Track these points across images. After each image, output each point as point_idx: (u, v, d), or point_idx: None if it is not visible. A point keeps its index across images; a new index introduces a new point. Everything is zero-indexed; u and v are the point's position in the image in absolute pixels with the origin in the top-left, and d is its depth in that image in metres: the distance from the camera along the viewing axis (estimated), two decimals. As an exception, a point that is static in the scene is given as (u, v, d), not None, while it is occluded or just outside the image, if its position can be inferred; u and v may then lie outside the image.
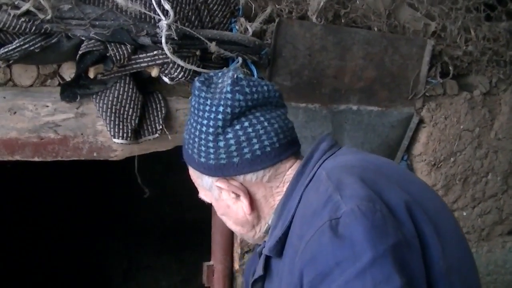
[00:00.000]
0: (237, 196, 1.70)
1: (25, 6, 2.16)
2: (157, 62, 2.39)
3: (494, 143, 3.60)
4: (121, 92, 2.41)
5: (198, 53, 2.50)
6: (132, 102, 2.43)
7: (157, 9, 2.32)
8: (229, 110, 1.58)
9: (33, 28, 2.19)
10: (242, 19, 2.67)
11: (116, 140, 2.41)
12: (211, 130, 1.60)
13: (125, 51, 2.33)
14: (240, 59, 2.60)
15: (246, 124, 1.60)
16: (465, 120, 3.44)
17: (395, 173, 1.67)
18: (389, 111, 3.19)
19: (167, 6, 2.31)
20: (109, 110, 2.39)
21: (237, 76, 1.63)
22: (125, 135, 2.40)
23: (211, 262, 2.98)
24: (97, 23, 2.29)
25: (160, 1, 2.32)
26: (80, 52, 2.26)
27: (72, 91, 2.39)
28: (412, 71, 3.20)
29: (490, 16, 3.65)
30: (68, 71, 2.42)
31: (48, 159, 2.45)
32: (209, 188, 1.74)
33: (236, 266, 2.97)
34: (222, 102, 1.59)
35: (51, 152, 2.44)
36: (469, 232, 3.59)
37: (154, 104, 2.56)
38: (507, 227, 3.83)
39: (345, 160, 1.66)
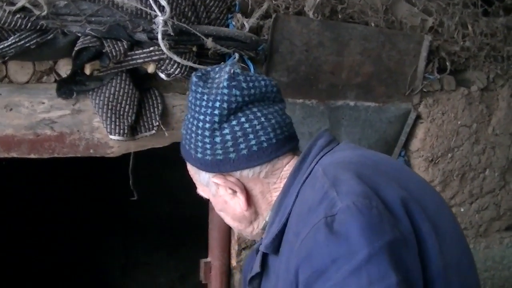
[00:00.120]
0: (234, 192, 1.68)
1: (21, 2, 2.15)
2: (154, 58, 2.39)
3: (492, 138, 3.60)
4: (117, 89, 2.40)
5: (194, 49, 2.50)
6: (129, 98, 2.43)
7: (153, 5, 2.32)
8: (225, 105, 1.57)
9: (29, 24, 2.18)
10: (239, 15, 2.66)
11: (112, 137, 2.40)
12: (207, 125, 1.59)
13: (121, 48, 2.33)
14: (236, 55, 2.60)
15: (243, 119, 1.59)
16: (463, 116, 3.43)
17: (393, 169, 1.65)
18: (386, 107, 3.18)
19: (163, 2, 2.30)
20: (105, 106, 2.39)
21: (234, 71, 1.62)
22: (121, 131, 2.40)
23: (209, 259, 2.98)
24: (93, 19, 2.29)
25: (156, -3, 2.32)
26: (76, 49, 2.26)
27: (68, 87, 2.38)
28: (410, 66, 3.19)
29: (488, 11, 3.65)
30: (64, 68, 2.41)
31: (44, 156, 2.44)
32: (206, 184, 1.73)
33: (234, 262, 2.97)
34: (218, 98, 1.58)
35: (47, 149, 2.43)
36: (466, 228, 3.59)
37: (150, 100, 2.55)
38: (505, 223, 3.83)
39: (342, 156, 1.65)
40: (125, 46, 2.34)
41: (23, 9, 2.17)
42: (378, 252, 1.29)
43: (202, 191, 1.81)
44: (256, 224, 1.78)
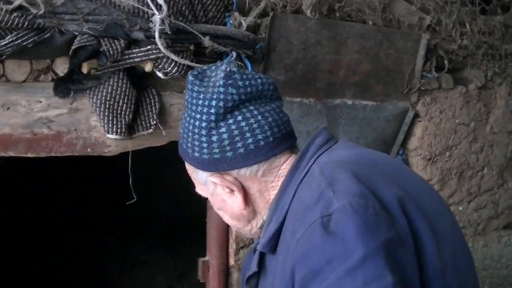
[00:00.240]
0: (232, 191, 1.68)
1: (18, 1, 2.15)
2: (151, 57, 2.39)
3: (490, 137, 3.60)
4: (114, 87, 2.40)
5: (192, 47, 2.50)
6: (126, 97, 2.42)
7: (150, 3, 2.32)
8: (221, 104, 1.57)
9: (26, 23, 2.18)
10: (236, 13, 2.66)
11: (110, 136, 2.40)
12: (204, 124, 1.59)
13: (118, 46, 2.32)
14: (234, 53, 2.60)
15: (240, 118, 1.59)
16: (461, 114, 3.43)
17: (390, 168, 1.65)
18: (384, 105, 3.18)
19: (160, 1, 2.30)
20: (102, 105, 2.38)
21: (230, 69, 1.61)
22: (119, 130, 2.40)
23: (207, 258, 2.98)
24: (90, 18, 2.28)
25: (154, -5, 2.32)
26: (73, 47, 2.26)
27: (66, 86, 2.38)
28: (407, 65, 3.19)
29: (485, 10, 3.65)
30: (61, 66, 2.41)
31: (41, 155, 2.44)
32: (204, 182, 1.73)
33: (232, 261, 2.96)
34: (215, 96, 1.57)
35: (44, 148, 2.43)
36: (465, 227, 3.59)
37: (148, 99, 2.55)
38: (503, 221, 3.83)
39: (340, 155, 1.64)
40: (122, 45, 2.34)
41: (20, 7, 2.17)
42: (374, 252, 1.29)
43: (200, 189, 1.81)
44: (255, 222, 1.77)
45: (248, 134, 1.59)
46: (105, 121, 2.39)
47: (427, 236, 1.44)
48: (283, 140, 1.66)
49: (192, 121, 1.62)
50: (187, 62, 2.44)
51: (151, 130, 2.53)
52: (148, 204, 5.84)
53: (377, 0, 3.11)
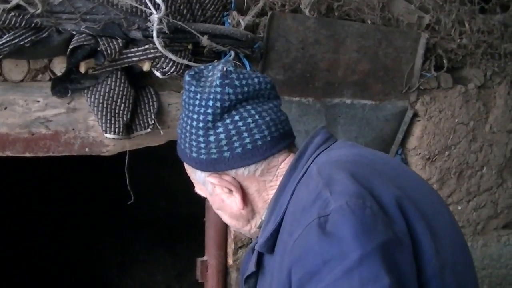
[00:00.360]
0: (230, 190, 1.68)
1: (15, 0, 2.15)
2: (149, 56, 2.38)
3: (489, 136, 3.59)
4: (112, 87, 2.40)
5: (190, 47, 2.49)
6: (124, 96, 2.42)
7: (148, 2, 2.31)
8: (218, 104, 1.56)
9: (23, 22, 2.17)
10: (235, 13, 2.65)
11: (108, 135, 2.40)
12: (201, 124, 1.58)
13: (116, 46, 2.32)
14: (232, 52, 2.59)
15: (237, 118, 1.58)
16: (460, 114, 3.43)
17: (389, 168, 1.64)
18: (383, 104, 3.18)
19: (158, 0, 2.29)
20: (100, 105, 2.38)
21: (226, 69, 1.61)
22: (117, 130, 2.39)
23: (205, 258, 2.98)
24: (87, 17, 2.28)
25: (152, -6, 2.31)
26: (71, 47, 2.25)
27: (63, 86, 2.38)
28: (406, 64, 3.19)
29: (484, 9, 3.64)
30: (59, 66, 2.40)
31: (39, 154, 2.43)
32: (202, 182, 1.73)
33: (230, 261, 2.96)
34: (211, 96, 1.57)
35: (42, 147, 2.42)
36: (464, 226, 3.59)
37: (146, 98, 2.55)
38: (502, 221, 3.83)
39: (338, 154, 1.63)
40: (120, 44, 2.33)
41: (17, 7, 2.16)
42: (370, 253, 1.28)
43: (199, 189, 1.81)
44: (254, 222, 1.77)
45: (245, 134, 1.58)
46: (103, 121, 2.38)
47: (426, 237, 1.43)
48: (281, 139, 1.65)
49: (189, 121, 1.62)
50: (185, 62, 2.43)
51: (149, 130, 2.52)
52: (146, 204, 5.85)
53: (376, -1, 3.11)
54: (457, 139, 3.45)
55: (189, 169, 1.76)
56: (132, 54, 2.38)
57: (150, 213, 6.34)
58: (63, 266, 6.13)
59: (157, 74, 2.45)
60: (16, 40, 2.18)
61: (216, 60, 2.57)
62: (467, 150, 3.50)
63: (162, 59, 2.40)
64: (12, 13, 2.15)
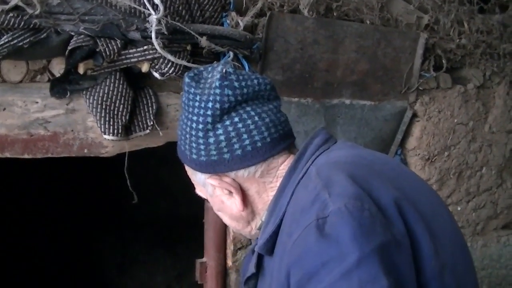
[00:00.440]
0: (230, 192, 1.68)
1: (14, 1, 2.14)
2: (147, 57, 2.38)
3: (488, 136, 3.59)
4: (111, 88, 2.39)
5: (188, 47, 2.49)
6: (123, 98, 2.42)
7: (146, 3, 2.31)
8: (218, 105, 1.56)
9: (22, 23, 2.17)
10: (233, 13, 2.65)
11: (106, 137, 2.39)
12: (200, 126, 1.58)
13: (115, 46, 2.31)
14: (231, 53, 2.59)
15: (236, 119, 1.58)
16: (459, 114, 3.43)
17: (388, 169, 1.64)
18: (382, 105, 3.17)
19: (156, 1, 2.30)
20: (99, 106, 2.38)
21: (226, 70, 1.61)
22: (115, 131, 2.39)
23: (204, 259, 2.97)
24: (86, 18, 2.28)
25: (150, -5, 2.31)
26: (69, 48, 2.25)
27: (62, 87, 2.37)
28: (405, 64, 3.18)
29: (483, 9, 3.64)
30: (58, 67, 2.40)
31: (38, 156, 2.43)
32: (203, 184, 1.73)
33: (229, 262, 2.96)
34: (211, 98, 1.57)
35: (41, 148, 2.42)
36: (463, 227, 3.59)
37: (145, 99, 2.54)
38: (502, 221, 3.82)
39: (337, 155, 1.63)
40: (119, 45, 2.33)
41: (16, 8, 2.16)
42: (368, 255, 1.28)
43: (199, 191, 1.81)
44: (254, 224, 1.77)
45: (245, 135, 1.59)
46: (102, 122, 2.38)
47: (425, 238, 1.43)
48: (280, 140, 1.65)
49: (189, 123, 1.62)
50: (184, 63, 2.43)
51: (148, 131, 2.52)
52: (146, 204, 5.85)
53: (375, -1, 3.11)
54: (457, 139, 3.45)
55: (189, 171, 1.76)
56: (131, 55, 2.38)
57: (150, 214, 6.34)
58: (63, 266, 6.13)
59: (156, 75, 2.45)
60: (15, 41, 2.18)
61: (215, 61, 2.57)
62: (467, 150, 3.50)
63: (161, 60, 2.40)
64: (11, 14, 2.15)
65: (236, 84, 1.59)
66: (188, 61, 2.47)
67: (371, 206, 1.38)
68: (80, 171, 5.51)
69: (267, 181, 1.67)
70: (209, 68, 1.70)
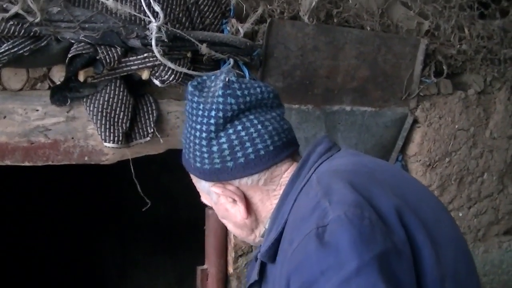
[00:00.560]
0: (234, 200, 1.68)
1: (14, 9, 2.14)
2: (148, 64, 2.37)
3: (489, 142, 3.59)
4: (111, 95, 2.39)
5: (189, 55, 2.48)
6: (123, 105, 2.41)
7: (147, 11, 2.31)
8: (221, 114, 1.57)
9: (22, 31, 2.16)
10: (234, 20, 2.65)
11: (107, 144, 2.39)
12: (204, 134, 1.59)
13: (115, 54, 2.31)
14: (231, 60, 2.58)
15: (239, 128, 1.59)
16: (460, 120, 3.42)
17: (390, 176, 1.64)
18: (382, 111, 3.17)
19: (157, 8, 2.29)
20: (99, 113, 2.37)
21: (229, 79, 1.61)
22: (116, 138, 2.39)
23: (205, 266, 2.97)
24: (86, 25, 2.27)
25: (150, 2, 2.30)
26: (69, 55, 2.24)
27: (62, 94, 2.37)
28: (406, 70, 3.18)
29: (484, 14, 3.64)
30: (58, 74, 2.39)
31: (38, 163, 2.43)
32: (207, 192, 1.74)
33: (230, 269, 2.95)
34: (214, 106, 1.57)
35: (41, 156, 2.42)
36: (465, 233, 3.58)
37: (145, 107, 2.54)
38: (503, 227, 3.82)
39: (339, 163, 1.63)
40: (119, 53, 2.33)
41: (16, 16, 2.16)
42: (368, 263, 1.28)
43: (204, 199, 1.82)
44: (258, 231, 1.77)
45: (248, 144, 1.59)
46: (102, 129, 2.38)
47: (426, 246, 1.42)
48: (284, 148, 1.66)
49: (193, 131, 1.63)
50: (184, 70, 2.43)
51: (148, 138, 2.52)
52: (147, 208, 5.85)
53: (375, 5, 3.11)
54: (458, 145, 3.44)
55: (194, 179, 1.76)
56: (131, 63, 2.38)
57: (150, 217, 6.33)
58: (63, 269, 6.13)
59: (156, 82, 2.45)
60: (15, 49, 2.17)
61: (217, 69, 2.57)
62: (468, 156, 3.50)
63: (161, 67, 2.39)
64: (11, 22, 2.14)
65: (239, 92, 1.60)
66: (189, 69, 2.46)
67: (371, 214, 1.37)
68: (81, 175, 5.51)
69: (271, 189, 1.68)
70: (213, 77, 1.70)
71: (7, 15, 2.13)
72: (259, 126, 1.60)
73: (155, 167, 5.76)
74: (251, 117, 1.61)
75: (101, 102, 2.38)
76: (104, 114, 2.38)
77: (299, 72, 2.87)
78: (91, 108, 2.39)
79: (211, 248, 2.94)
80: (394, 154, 3.30)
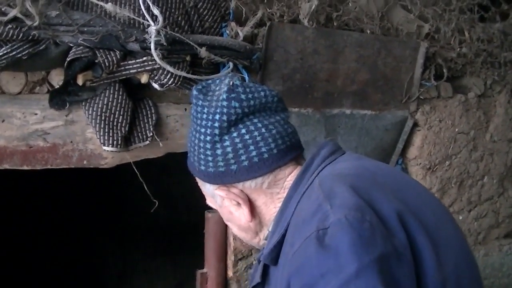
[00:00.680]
0: (238, 203, 1.69)
1: (12, 13, 2.13)
2: (147, 68, 2.37)
3: (490, 145, 3.58)
4: (110, 99, 2.39)
5: (188, 58, 2.48)
6: (122, 109, 2.41)
7: (146, 14, 2.30)
8: (225, 117, 1.58)
9: (21, 35, 2.16)
10: (233, 24, 2.65)
11: (106, 148, 2.39)
12: (208, 138, 1.60)
13: (114, 58, 2.31)
14: (231, 64, 2.58)
15: (243, 131, 1.59)
16: (460, 123, 3.42)
17: (392, 180, 1.64)
18: (383, 114, 3.17)
19: (156, 11, 2.29)
20: (98, 117, 2.37)
21: (233, 83, 1.62)
22: (115, 142, 2.38)
23: (205, 270, 2.96)
24: (85, 29, 2.27)
25: (149, 6, 2.30)
26: (68, 59, 2.24)
27: (61, 98, 2.36)
28: (406, 73, 3.18)
29: (484, 17, 3.64)
30: (57, 78, 2.39)
31: (37, 167, 2.42)
32: (212, 195, 1.75)
33: (230, 273, 2.95)
34: (218, 110, 1.58)
35: (40, 160, 2.41)
36: (465, 236, 3.57)
37: (144, 110, 2.54)
38: (504, 230, 3.82)
39: (341, 167, 1.64)
40: (118, 56, 2.32)
41: (14, 19, 2.15)
42: (367, 266, 1.27)
43: (209, 202, 1.83)
44: (262, 234, 1.78)
45: (251, 147, 1.60)
46: (101, 133, 2.37)
47: (427, 250, 1.42)
48: (287, 151, 1.66)
49: (197, 135, 1.64)
50: (183, 74, 2.42)
51: (147, 142, 2.51)
52: (147, 212, 5.85)
53: (375, 8, 3.11)
54: (458, 148, 3.44)
55: (199, 182, 1.77)
56: (130, 66, 2.37)
57: (150, 220, 6.33)
58: (64, 272, 6.13)
59: (155, 86, 2.44)
60: (14, 53, 2.17)
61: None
62: (468, 159, 3.49)
63: (160, 71, 2.39)
64: (10, 26, 2.14)
65: (243, 96, 1.61)
66: (188, 72, 2.46)
67: (372, 217, 1.37)
68: (81, 179, 5.51)
69: (274, 192, 1.68)
70: (217, 81, 1.72)
71: (5, 18, 2.13)
72: (263, 130, 1.61)
73: (155, 170, 5.75)
74: (255, 120, 1.62)
75: (100, 106, 2.38)
76: (103, 117, 2.37)
77: (299, 76, 2.86)
78: (90, 112, 2.38)
79: (211, 252, 2.94)
80: (394, 157, 3.30)
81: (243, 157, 1.60)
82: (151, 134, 2.51)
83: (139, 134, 2.51)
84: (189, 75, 2.44)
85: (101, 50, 2.29)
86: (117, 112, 2.40)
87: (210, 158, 1.62)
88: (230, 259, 2.93)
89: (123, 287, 6.59)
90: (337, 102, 3.02)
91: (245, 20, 2.71)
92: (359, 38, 3.01)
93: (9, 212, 5.61)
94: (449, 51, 3.37)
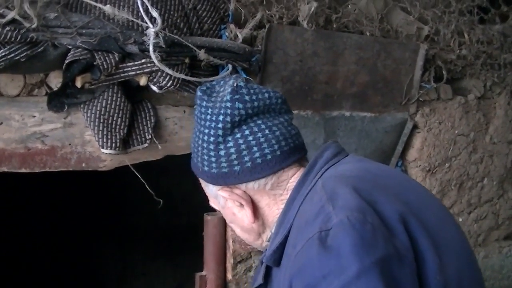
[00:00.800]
0: (241, 204, 1.70)
1: (10, 15, 2.13)
2: (145, 70, 2.36)
3: (489, 147, 3.58)
4: (109, 102, 2.38)
5: (187, 60, 2.47)
6: (121, 111, 2.40)
7: (144, 16, 2.30)
8: (228, 118, 1.59)
9: (19, 37, 2.16)
10: (232, 26, 2.64)
11: (104, 150, 2.38)
12: (212, 139, 1.61)
13: (112, 60, 2.30)
14: (230, 66, 2.58)
15: (247, 132, 1.60)
16: (460, 125, 3.42)
17: (394, 182, 1.64)
18: (382, 116, 3.16)
19: (154, 14, 2.28)
20: (97, 119, 2.37)
21: (237, 84, 1.63)
22: (113, 145, 2.38)
23: (204, 273, 2.96)
24: (83, 31, 2.26)
25: (148, 8, 2.29)
26: (66, 61, 2.23)
27: (60, 100, 2.36)
28: (406, 75, 3.17)
29: (484, 19, 3.64)
30: (55, 80, 2.38)
31: (35, 170, 2.41)
32: (215, 196, 1.75)
33: (229, 276, 2.94)
34: (222, 111, 1.59)
35: (38, 163, 2.40)
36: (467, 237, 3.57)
37: (143, 113, 2.53)
38: (504, 232, 3.81)
39: (344, 169, 1.64)
40: (117, 59, 2.32)
41: (13, 21, 2.15)
42: (369, 268, 1.27)
43: (212, 203, 1.84)
44: (265, 236, 1.79)
45: (255, 148, 1.60)
46: (100, 136, 2.37)
47: (429, 252, 1.42)
48: (291, 153, 1.67)
49: (201, 135, 1.64)
50: (182, 76, 2.42)
51: (146, 145, 2.51)
52: (147, 214, 5.85)
53: (374, 10, 3.10)
54: (458, 150, 3.44)
55: (202, 183, 1.78)
56: (129, 69, 2.37)
57: (150, 223, 6.34)
58: (63, 277, 6.12)
59: (154, 88, 2.43)
60: (12, 55, 2.17)
61: (215, 74, 2.56)
62: (468, 161, 3.49)
63: (159, 73, 2.38)
64: (8, 28, 2.14)
65: (247, 97, 1.62)
66: (187, 74, 2.45)
67: (374, 219, 1.37)
68: (80, 182, 5.51)
69: (277, 193, 1.69)
70: (222, 82, 1.72)
71: (3, 20, 2.13)
72: (267, 131, 1.62)
73: (154, 172, 5.75)
74: (259, 122, 1.63)
75: (98, 108, 2.37)
76: (101, 120, 2.37)
77: (298, 78, 2.86)
78: (89, 114, 2.38)
79: (210, 255, 2.93)
80: (393, 160, 3.29)
81: (246, 158, 1.61)
82: (150, 136, 2.51)
83: (138, 136, 2.50)
84: (188, 78, 2.44)
85: (99, 52, 2.29)
86: (115, 115, 2.39)
87: (213, 159, 1.63)
88: (229, 262, 2.93)
89: (123, 289, 6.60)
90: (337, 104, 3.01)
91: (244, 22, 2.71)
92: (359, 40, 3.01)
93: (9, 214, 5.60)
94: (449, 53, 3.37)
